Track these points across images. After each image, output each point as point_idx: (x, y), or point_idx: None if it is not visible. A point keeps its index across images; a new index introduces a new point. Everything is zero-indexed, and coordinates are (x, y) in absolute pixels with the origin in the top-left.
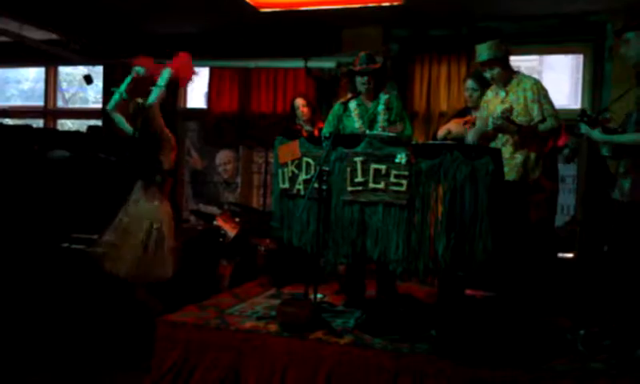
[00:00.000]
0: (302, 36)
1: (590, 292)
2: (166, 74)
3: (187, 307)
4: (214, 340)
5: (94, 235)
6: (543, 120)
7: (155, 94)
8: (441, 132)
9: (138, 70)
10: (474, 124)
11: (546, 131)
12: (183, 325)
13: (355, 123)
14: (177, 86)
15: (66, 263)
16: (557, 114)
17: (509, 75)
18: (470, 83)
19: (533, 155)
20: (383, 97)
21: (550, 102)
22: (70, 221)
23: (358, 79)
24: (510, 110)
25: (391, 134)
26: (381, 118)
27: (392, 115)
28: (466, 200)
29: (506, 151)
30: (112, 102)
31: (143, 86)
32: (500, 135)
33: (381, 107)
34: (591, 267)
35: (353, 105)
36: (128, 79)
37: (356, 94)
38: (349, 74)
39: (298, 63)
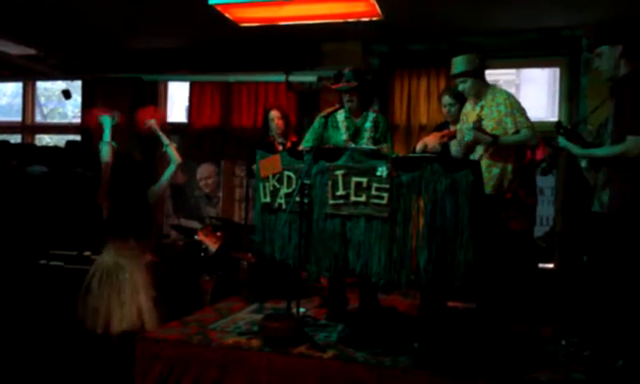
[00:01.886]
0: (282, 50)
1: (570, 302)
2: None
3: (169, 323)
4: (196, 356)
5: (72, 252)
6: (517, 132)
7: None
8: (419, 145)
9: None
10: (452, 137)
11: (521, 141)
12: (165, 341)
13: (342, 135)
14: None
15: (44, 280)
16: (532, 126)
17: (481, 88)
18: (446, 99)
19: (510, 167)
20: (371, 115)
21: (524, 115)
22: (48, 237)
23: (343, 95)
24: (479, 120)
25: (373, 147)
26: (366, 134)
27: (377, 133)
28: (446, 212)
29: (483, 164)
30: (106, 152)
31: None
32: (478, 148)
33: (368, 125)
34: (571, 277)
35: (341, 116)
36: (107, 127)
37: (342, 106)
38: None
39: (279, 77)
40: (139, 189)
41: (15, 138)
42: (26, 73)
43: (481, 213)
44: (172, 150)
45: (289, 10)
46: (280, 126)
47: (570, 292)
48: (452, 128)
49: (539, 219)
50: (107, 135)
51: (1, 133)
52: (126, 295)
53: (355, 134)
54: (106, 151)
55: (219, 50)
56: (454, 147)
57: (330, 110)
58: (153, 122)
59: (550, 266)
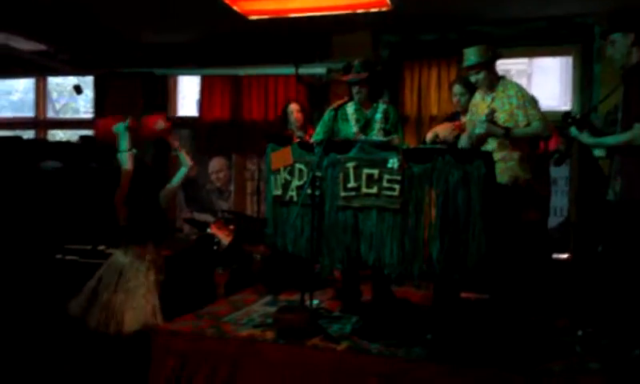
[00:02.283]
0: (291, 43)
1: (586, 292)
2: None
3: (183, 316)
4: (210, 349)
5: (87, 246)
6: (528, 125)
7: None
8: (429, 135)
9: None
10: (463, 129)
11: (533, 134)
12: (179, 334)
13: (352, 128)
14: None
15: (59, 274)
16: (544, 117)
17: (494, 80)
18: (457, 88)
19: (525, 159)
20: (381, 106)
21: (535, 107)
22: (63, 232)
23: (353, 87)
24: (493, 112)
25: (383, 139)
26: (377, 126)
27: (388, 124)
28: (458, 203)
29: (498, 154)
30: (126, 161)
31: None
32: (490, 139)
33: (378, 116)
34: (586, 267)
35: (351, 109)
36: (122, 136)
37: (351, 98)
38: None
39: (289, 70)
40: (154, 194)
41: (28, 134)
42: (38, 68)
43: (493, 204)
44: (183, 155)
45: (298, 2)
46: (299, 119)
47: (586, 282)
48: (462, 118)
49: (553, 210)
50: (124, 144)
51: (14, 129)
52: (141, 296)
53: (365, 125)
54: (125, 159)
55: (229, 43)
56: (463, 139)
57: (339, 102)
58: (159, 127)
59: (565, 256)
